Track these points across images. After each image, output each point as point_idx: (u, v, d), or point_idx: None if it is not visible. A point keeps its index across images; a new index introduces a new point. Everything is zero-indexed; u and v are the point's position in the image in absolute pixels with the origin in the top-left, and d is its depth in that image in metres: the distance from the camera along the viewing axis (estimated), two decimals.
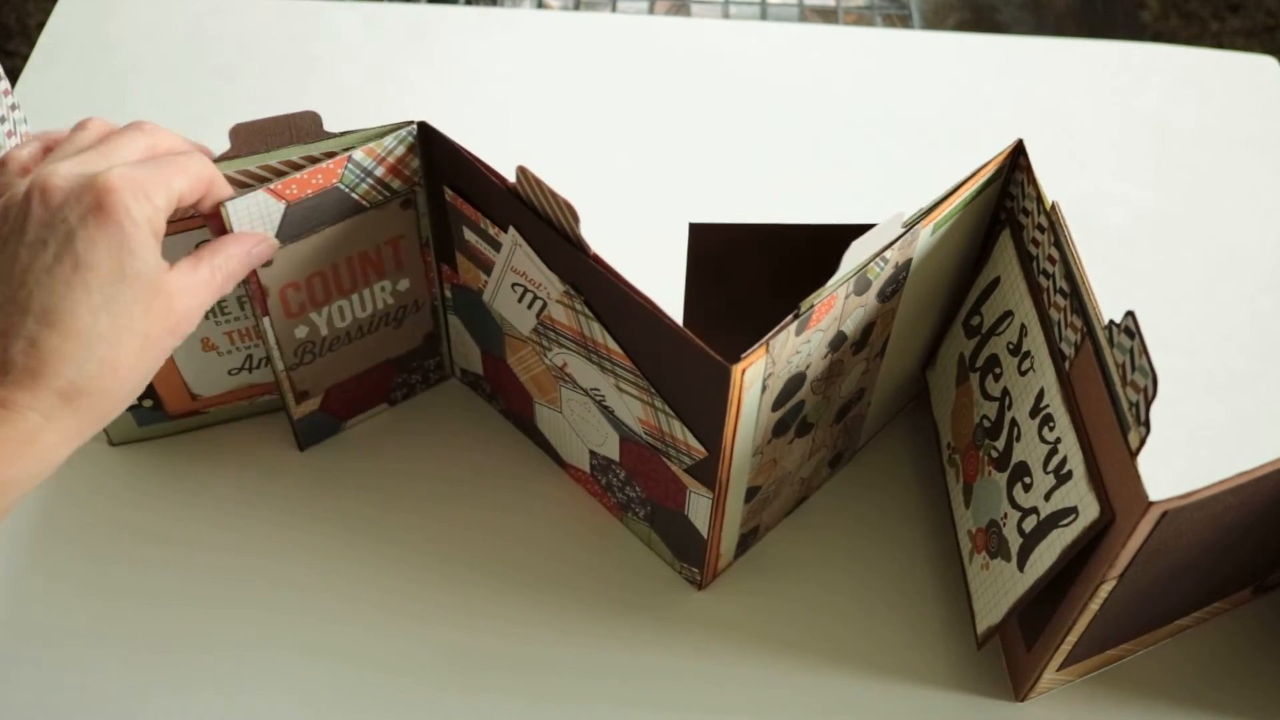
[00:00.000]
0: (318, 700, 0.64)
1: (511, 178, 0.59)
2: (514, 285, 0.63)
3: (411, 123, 0.63)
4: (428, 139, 0.63)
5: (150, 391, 0.71)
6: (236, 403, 0.74)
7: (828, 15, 1.88)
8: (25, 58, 1.91)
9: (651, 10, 1.85)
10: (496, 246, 0.63)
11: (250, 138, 0.60)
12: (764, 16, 1.84)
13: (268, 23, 0.98)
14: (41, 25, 2.01)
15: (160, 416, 0.73)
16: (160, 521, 0.70)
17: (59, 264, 0.49)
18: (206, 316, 0.68)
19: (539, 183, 0.56)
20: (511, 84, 0.95)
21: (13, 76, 1.89)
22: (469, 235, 0.65)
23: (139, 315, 0.51)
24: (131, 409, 0.71)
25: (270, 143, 0.61)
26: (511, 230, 0.61)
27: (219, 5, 0.99)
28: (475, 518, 0.71)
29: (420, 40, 0.98)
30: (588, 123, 0.93)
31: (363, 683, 0.65)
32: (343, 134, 0.62)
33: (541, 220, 0.58)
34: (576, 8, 1.87)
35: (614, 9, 1.86)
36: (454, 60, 0.97)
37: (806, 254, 0.63)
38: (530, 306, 0.63)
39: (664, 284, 0.76)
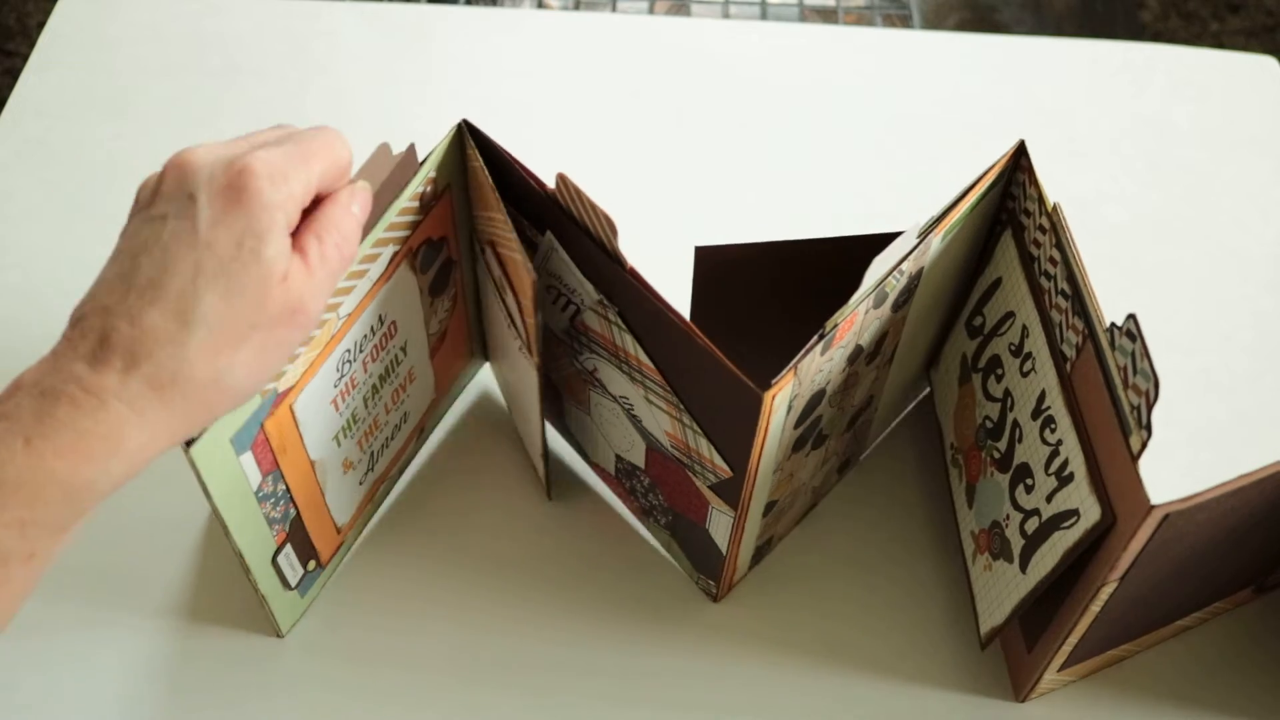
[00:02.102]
0: (322, 700, 0.64)
1: (549, 181, 0.58)
2: (549, 288, 0.63)
3: (459, 124, 0.61)
4: (473, 137, 0.62)
5: (312, 552, 0.65)
6: (364, 512, 0.69)
7: (828, 15, 1.88)
8: (25, 58, 1.91)
9: (651, 10, 1.85)
10: (533, 247, 0.62)
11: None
12: (764, 16, 1.84)
13: (268, 23, 0.98)
14: (41, 25, 2.01)
15: (317, 574, 0.67)
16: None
17: (175, 239, 0.44)
18: (345, 437, 0.63)
19: (579, 192, 0.55)
20: (511, 84, 0.95)
21: (13, 76, 1.89)
22: None
23: (252, 304, 0.45)
24: (297, 585, 0.64)
25: (382, 196, 0.57)
26: (548, 234, 0.60)
27: (219, 5, 0.99)
28: (505, 513, 0.71)
29: (420, 40, 0.98)
30: (587, 122, 0.93)
31: (372, 677, 0.65)
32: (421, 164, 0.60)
33: (579, 229, 0.58)
34: (576, 8, 1.87)
35: (614, 9, 1.86)
36: (454, 60, 0.97)
37: (809, 266, 0.63)
38: (564, 310, 0.63)
39: (663, 282, 0.76)
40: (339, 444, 0.62)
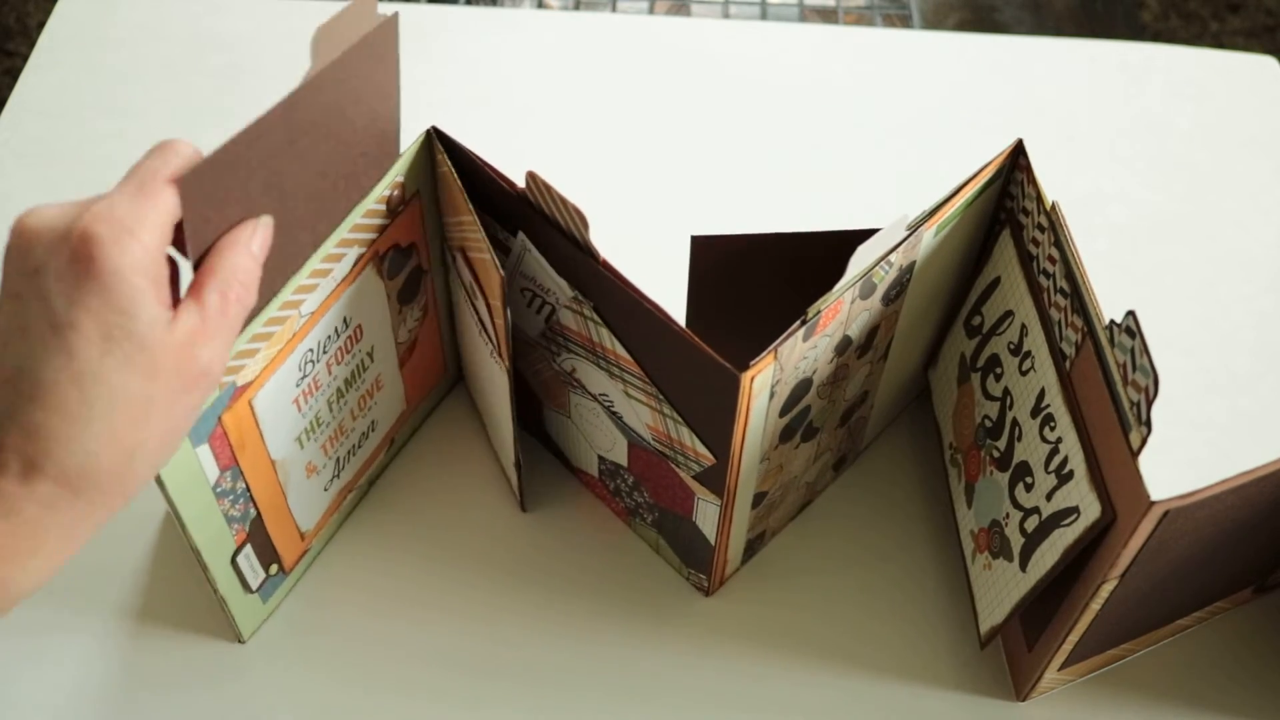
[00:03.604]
0: (285, 708, 0.64)
1: (519, 182, 0.58)
2: (522, 290, 0.63)
3: (427, 130, 0.61)
4: (441, 143, 0.62)
5: (274, 556, 0.64)
6: (329, 520, 0.68)
7: (828, 15, 1.88)
8: (25, 58, 1.91)
9: (651, 10, 1.85)
10: (506, 251, 0.63)
11: (332, 43, 0.53)
12: (764, 16, 1.84)
13: (268, 23, 0.98)
14: (41, 25, 2.01)
15: (280, 579, 0.66)
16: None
17: (37, 325, 0.41)
18: (308, 439, 0.62)
19: (548, 188, 0.56)
20: (511, 84, 0.95)
21: (13, 76, 1.90)
22: None
23: (142, 380, 0.42)
24: (258, 589, 0.64)
25: (354, 56, 0.53)
26: (520, 235, 0.60)
27: (219, 5, 0.99)
28: (481, 522, 0.71)
29: (420, 40, 0.98)
30: (587, 123, 0.93)
31: (337, 686, 0.65)
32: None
33: (550, 225, 0.58)
34: (576, 8, 1.87)
35: (614, 9, 1.86)
36: (454, 60, 0.97)
37: (806, 260, 0.63)
38: (539, 312, 0.63)
39: (662, 283, 0.76)
40: (302, 446, 0.62)
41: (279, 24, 0.98)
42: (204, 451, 0.55)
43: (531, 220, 0.59)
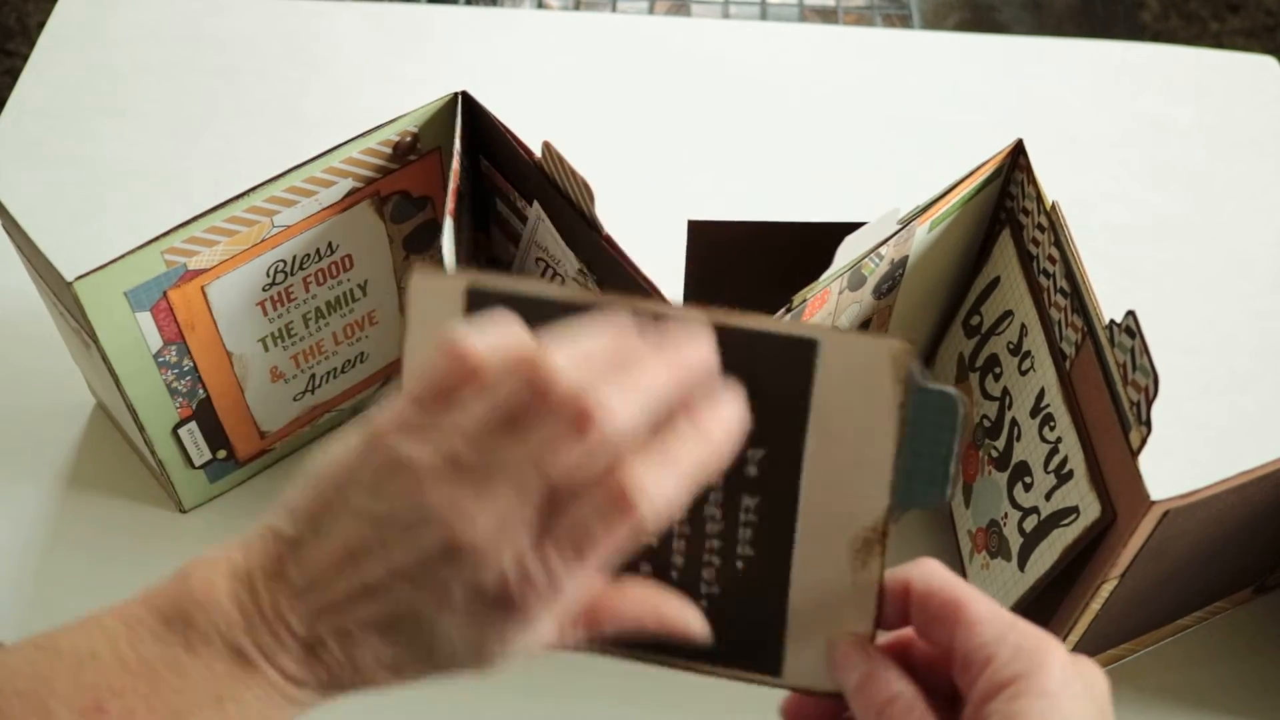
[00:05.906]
0: None
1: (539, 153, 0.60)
2: (537, 260, 0.64)
3: (456, 93, 0.64)
4: (468, 108, 0.64)
5: (224, 442, 0.67)
6: (299, 430, 0.70)
7: (828, 15, 1.88)
8: (25, 58, 1.91)
9: (651, 10, 1.85)
10: (523, 220, 0.64)
11: None
12: (764, 16, 1.84)
13: (268, 23, 0.98)
14: (41, 25, 2.01)
15: (232, 466, 0.69)
16: None
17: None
18: (274, 344, 0.65)
19: (561, 159, 0.57)
20: (511, 84, 0.95)
21: (13, 76, 1.90)
22: (500, 207, 0.66)
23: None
24: (202, 466, 0.67)
25: None
26: (535, 204, 0.62)
27: (219, 5, 0.99)
28: None
29: (420, 40, 0.98)
30: (588, 122, 0.93)
31: None
32: (393, 121, 0.62)
33: (561, 197, 0.59)
34: (576, 8, 1.87)
35: (614, 9, 1.86)
36: (454, 60, 0.97)
37: (805, 251, 0.63)
38: (551, 282, 0.64)
39: (663, 275, 0.76)
40: (266, 349, 0.64)
41: (279, 24, 0.98)
42: (145, 319, 0.58)
43: (545, 191, 0.60)
